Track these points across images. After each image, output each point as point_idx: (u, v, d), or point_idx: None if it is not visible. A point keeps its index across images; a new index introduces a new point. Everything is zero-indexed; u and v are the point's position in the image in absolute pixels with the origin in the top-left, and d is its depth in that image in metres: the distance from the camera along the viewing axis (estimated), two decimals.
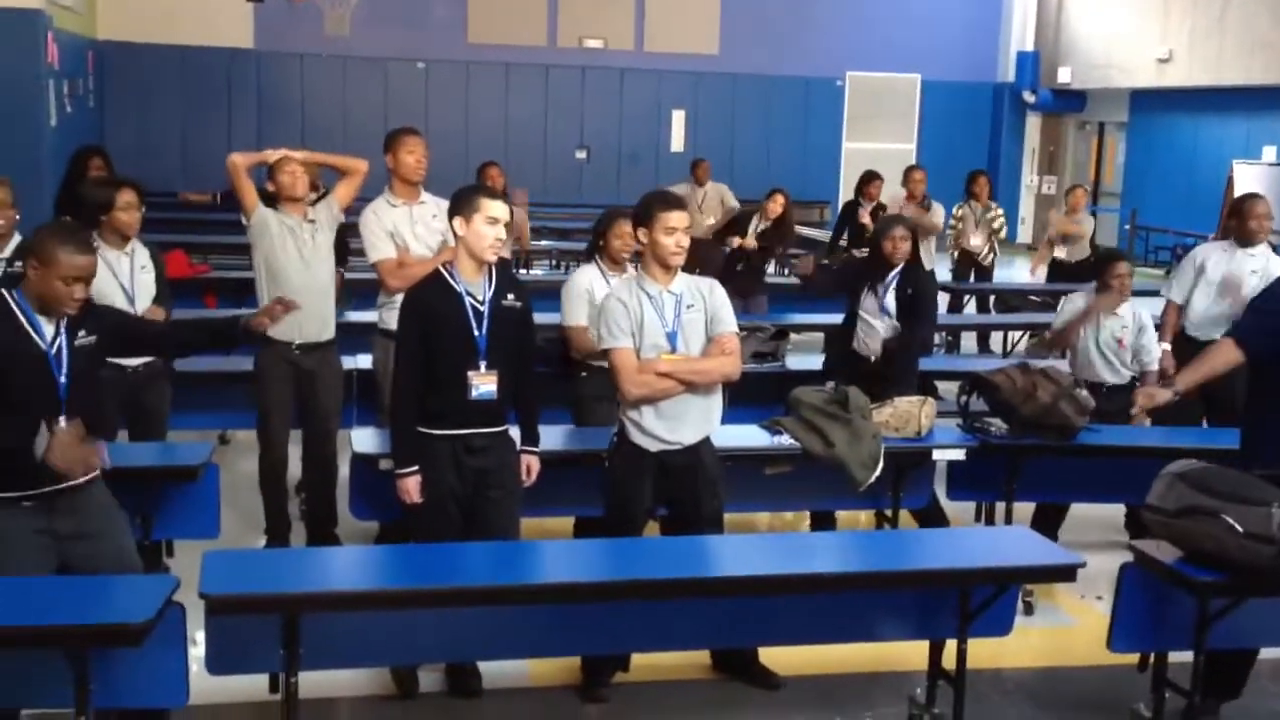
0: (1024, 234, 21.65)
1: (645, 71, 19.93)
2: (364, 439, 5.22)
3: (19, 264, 5.30)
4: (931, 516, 6.06)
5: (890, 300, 6.24)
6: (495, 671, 4.78)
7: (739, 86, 20.14)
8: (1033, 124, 22.10)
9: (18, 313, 3.87)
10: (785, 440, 5.46)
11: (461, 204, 4.46)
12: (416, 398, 4.47)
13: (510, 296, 4.57)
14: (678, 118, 20.23)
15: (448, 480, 4.49)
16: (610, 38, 19.91)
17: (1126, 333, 6.38)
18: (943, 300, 9.17)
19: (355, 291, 7.66)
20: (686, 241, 4.59)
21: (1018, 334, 10.77)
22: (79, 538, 3.91)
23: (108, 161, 8.45)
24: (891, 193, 11.26)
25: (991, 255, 11.49)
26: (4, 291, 3.91)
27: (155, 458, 5.35)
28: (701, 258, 4.58)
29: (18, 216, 5.50)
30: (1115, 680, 4.94)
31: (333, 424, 6.08)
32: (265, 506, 6.07)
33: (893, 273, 6.26)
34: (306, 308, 5.83)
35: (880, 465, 5.33)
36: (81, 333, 3.97)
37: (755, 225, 10.19)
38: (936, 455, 5.68)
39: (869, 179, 11.09)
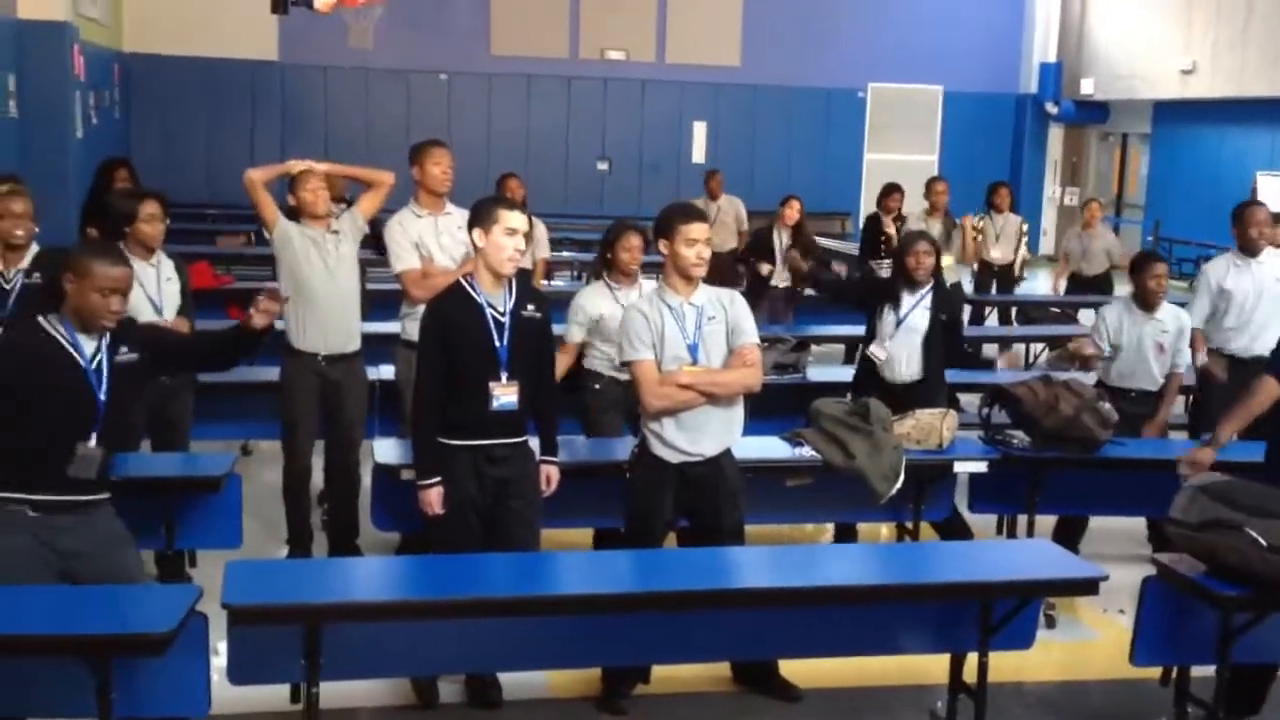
0: (1046, 245, 21.58)
1: (667, 83, 19.97)
2: (386, 450, 5.24)
3: (37, 275, 5.37)
4: (954, 529, 6.05)
5: (920, 318, 6.08)
6: (515, 682, 4.78)
7: (760, 98, 20.16)
8: (1055, 135, 22.04)
9: (56, 331, 3.89)
10: (806, 452, 5.45)
11: (480, 216, 4.48)
12: (438, 409, 4.49)
13: (531, 307, 4.58)
14: (699, 129, 20.26)
15: (468, 490, 4.50)
16: (632, 49, 19.96)
17: (1167, 337, 6.34)
18: (965, 312, 9.16)
19: (377, 302, 7.68)
20: (707, 253, 4.60)
21: (1039, 346, 10.73)
22: (79, 556, 3.90)
23: (133, 173, 8.53)
24: (912, 206, 11.25)
25: (1021, 265, 11.46)
26: (40, 318, 3.92)
27: (178, 468, 5.38)
28: (718, 272, 4.59)
29: (36, 228, 5.53)
30: (1137, 694, 4.91)
31: (357, 434, 6.10)
32: (288, 517, 6.09)
33: (920, 290, 6.13)
34: (332, 319, 5.89)
35: (901, 477, 5.33)
36: (123, 349, 3.98)
37: (779, 239, 10.17)
38: (958, 468, 5.66)
39: (888, 191, 11.08)
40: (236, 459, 5.37)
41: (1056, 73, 21.19)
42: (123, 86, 17.56)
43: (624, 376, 5.19)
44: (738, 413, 4.69)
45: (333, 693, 3.99)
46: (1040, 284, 15.94)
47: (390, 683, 4.76)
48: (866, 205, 17.26)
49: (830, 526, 6.59)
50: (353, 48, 16.58)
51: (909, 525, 5.75)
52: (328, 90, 19.10)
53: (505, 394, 4.49)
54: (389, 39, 17.71)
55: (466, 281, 4.55)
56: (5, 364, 3.84)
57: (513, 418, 4.53)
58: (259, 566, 4.40)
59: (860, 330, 6.63)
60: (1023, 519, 5.85)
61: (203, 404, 6.15)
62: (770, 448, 5.51)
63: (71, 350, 3.87)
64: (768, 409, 6.18)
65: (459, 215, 5.90)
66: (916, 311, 6.10)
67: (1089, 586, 4.32)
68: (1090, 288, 11.36)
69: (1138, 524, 6.68)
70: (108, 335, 3.94)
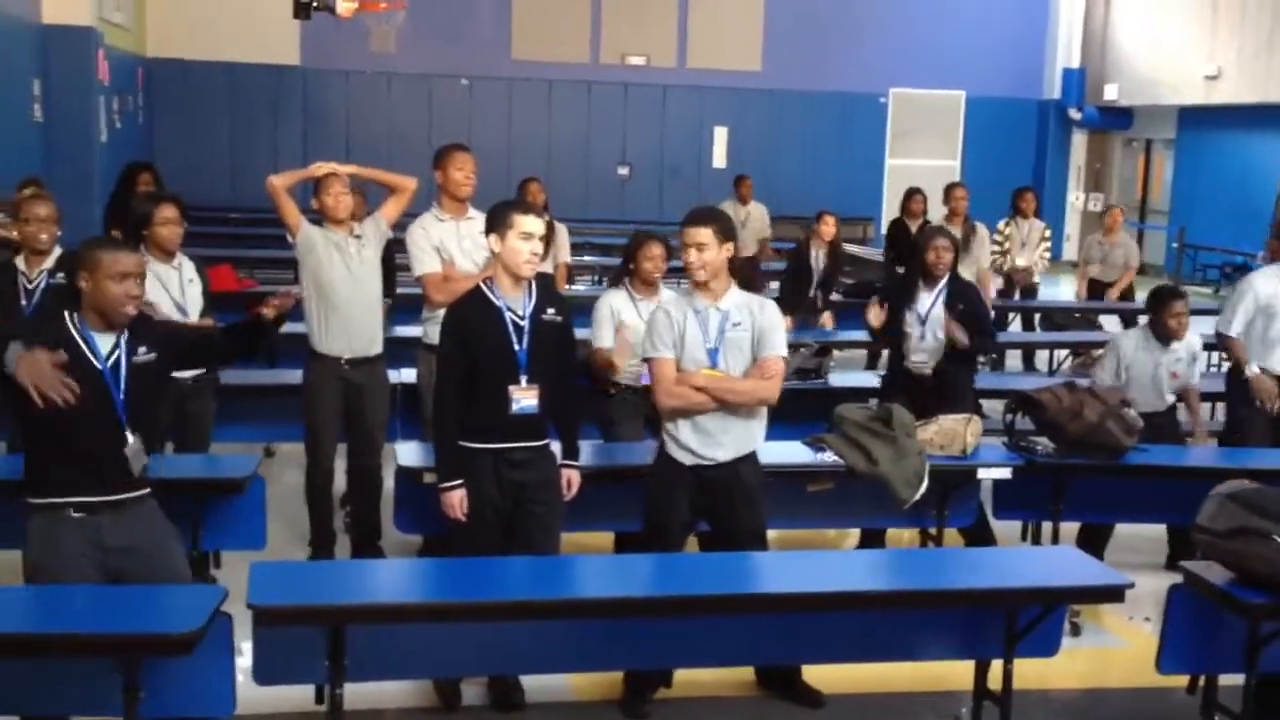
0: (1069, 251, 21.50)
1: (687, 88, 19.99)
2: (409, 452, 5.25)
3: (61, 275, 5.40)
4: (979, 535, 6.03)
5: (937, 313, 6.15)
6: (538, 685, 4.79)
7: (781, 103, 20.16)
8: (1078, 141, 21.96)
9: (73, 331, 3.90)
10: (829, 457, 5.44)
11: (495, 221, 4.49)
12: (458, 412, 4.50)
13: (551, 311, 4.58)
14: (720, 134, 20.27)
15: (489, 493, 4.50)
16: (653, 55, 19.98)
17: (1180, 365, 6.33)
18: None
19: (398, 305, 7.71)
20: (699, 256, 4.53)
21: (1063, 352, 10.68)
22: (128, 551, 3.93)
23: (156, 177, 8.56)
24: (933, 212, 11.21)
25: (1038, 273, 11.42)
26: (65, 313, 3.95)
27: (203, 470, 5.41)
28: (741, 277, 4.58)
29: (59, 232, 5.56)
30: (1163, 703, 4.88)
31: (379, 437, 6.11)
32: (311, 519, 6.10)
33: (937, 285, 6.19)
34: (355, 322, 5.91)
35: (925, 483, 5.30)
36: (142, 349, 3.98)
37: (814, 255, 10.13)
38: (982, 474, 5.63)
39: (910, 195, 11.08)
40: (260, 461, 5.38)
41: (1080, 78, 21.12)
42: (146, 91, 17.68)
43: (643, 384, 5.21)
44: (758, 420, 4.67)
45: (357, 694, 4.00)
46: (1062, 290, 15.88)
47: (413, 685, 4.76)
48: (889, 211, 17.22)
49: (854, 532, 6.57)
50: (374, 53, 16.63)
51: (932, 531, 5.72)
52: (349, 95, 19.19)
53: (525, 397, 4.49)
54: (411, 44, 17.77)
55: (486, 285, 4.55)
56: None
57: (533, 421, 4.54)
58: (283, 568, 4.42)
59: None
60: (1047, 525, 5.83)
61: (226, 406, 6.18)
62: (792, 452, 5.50)
63: (86, 350, 3.87)
64: (790, 414, 6.13)
65: (481, 220, 5.90)
66: (935, 308, 6.16)
67: (1115, 594, 4.29)
68: (1105, 292, 11.33)
69: (1162, 531, 6.64)
70: (126, 333, 3.95)
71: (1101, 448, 5.60)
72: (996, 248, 11.19)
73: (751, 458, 4.68)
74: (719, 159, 20.18)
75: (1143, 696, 5.06)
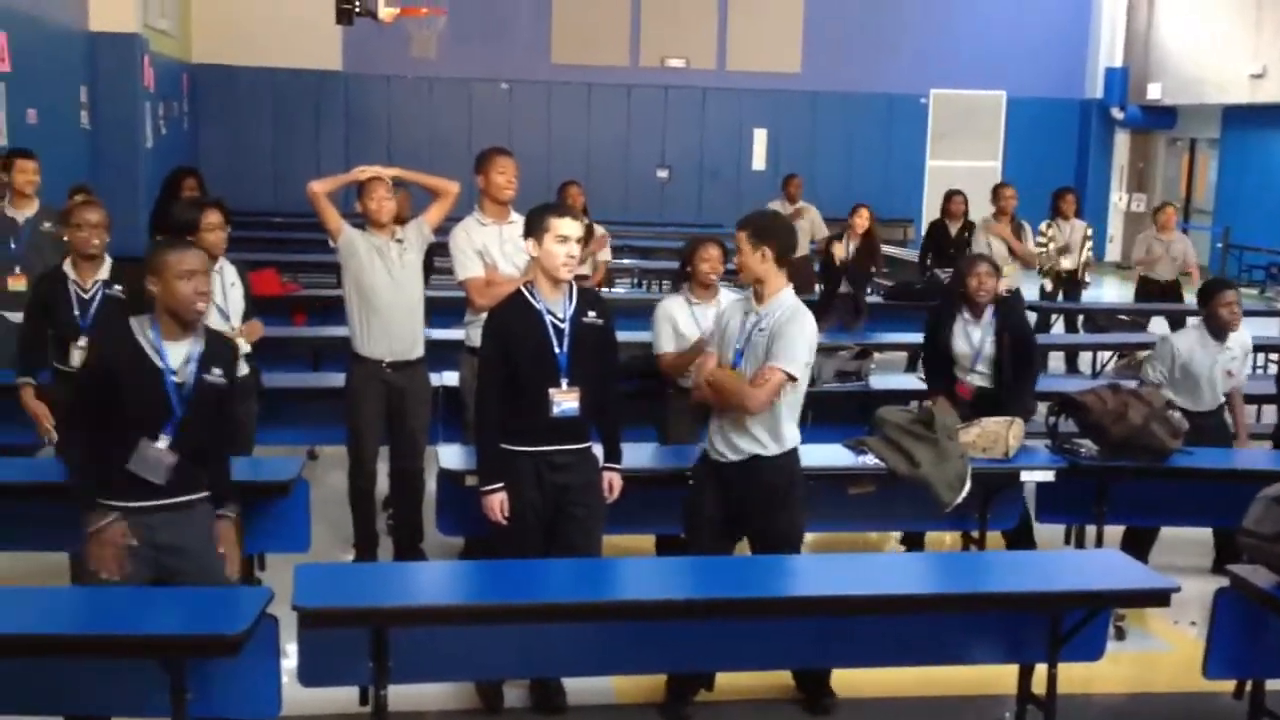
0: (1113, 252, 21.32)
1: (727, 90, 19.97)
2: (450, 455, 5.27)
3: (118, 287, 5.48)
4: (1021, 538, 5.99)
5: (988, 343, 6.01)
6: (582, 688, 4.80)
7: (821, 105, 20.11)
8: (1121, 141, 21.77)
9: (140, 333, 3.95)
10: (870, 460, 5.42)
11: (532, 225, 4.53)
12: (499, 415, 4.52)
13: (592, 314, 4.60)
14: (759, 136, 20.24)
15: (530, 496, 4.52)
16: (692, 57, 19.98)
17: (1235, 363, 6.27)
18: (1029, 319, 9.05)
19: (437, 309, 7.76)
20: (736, 259, 4.64)
21: (1107, 354, 10.59)
22: (179, 552, 3.98)
23: (201, 182, 8.66)
24: (974, 213, 11.16)
25: (1084, 270, 11.33)
26: (133, 321, 4.01)
27: (248, 473, 5.43)
28: (792, 276, 4.63)
29: (108, 238, 5.63)
30: (1210, 707, 4.84)
31: (420, 440, 6.15)
32: (354, 521, 6.15)
33: (985, 314, 6.05)
34: (396, 326, 5.95)
35: (967, 486, 5.28)
36: (216, 371, 4.02)
37: (845, 244, 10.14)
38: (1024, 476, 5.59)
39: (950, 196, 11.03)
40: (304, 464, 5.43)
41: (1123, 77, 20.93)
42: (191, 97, 17.87)
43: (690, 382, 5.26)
44: (776, 422, 4.58)
45: (400, 696, 4.02)
46: (1106, 291, 15.73)
47: (456, 687, 4.79)
48: (929, 213, 17.14)
49: (894, 535, 6.54)
50: (415, 57, 16.73)
51: (974, 534, 5.69)
52: (391, 100, 19.31)
53: (566, 400, 4.51)
54: (451, 49, 17.84)
55: (527, 289, 4.58)
56: (96, 377, 3.92)
57: (574, 424, 4.55)
58: (328, 570, 4.46)
59: (922, 338, 6.56)
60: (1091, 529, 5.78)
61: (269, 409, 6.23)
62: (833, 455, 5.48)
63: (154, 356, 3.92)
64: (830, 416, 6.16)
65: (522, 223, 5.94)
66: (986, 344, 6.02)
67: (1160, 598, 4.26)
68: (1161, 294, 11.21)
69: (1207, 534, 6.58)
70: (202, 349, 3.98)
71: (1146, 450, 5.55)
72: (1041, 249, 11.12)
73: (772, 460, 4.60)
74: (758, 161, 20.16)
75: (1189, 701, 5.01)
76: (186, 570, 3.97)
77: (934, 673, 4.93)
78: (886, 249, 12.70)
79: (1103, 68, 21.13)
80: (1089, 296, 12.25)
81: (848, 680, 4.88)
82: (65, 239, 5.70)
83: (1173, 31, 20.30)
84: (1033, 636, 4.37)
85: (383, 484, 6.30)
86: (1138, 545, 6.04)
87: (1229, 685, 4.54)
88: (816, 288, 10.46)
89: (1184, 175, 21.63)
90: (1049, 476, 5.56)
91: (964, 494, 5.27)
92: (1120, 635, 5.54)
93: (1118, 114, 21.14)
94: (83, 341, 5.45)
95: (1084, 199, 14.39)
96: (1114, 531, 6.01)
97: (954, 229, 10.82)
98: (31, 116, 10.82)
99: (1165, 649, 5.64)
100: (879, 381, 7.40)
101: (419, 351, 6.09)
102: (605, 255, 8.98)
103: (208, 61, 18.18)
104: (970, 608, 4.33)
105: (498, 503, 4.50)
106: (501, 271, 5.84)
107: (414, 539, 6.14)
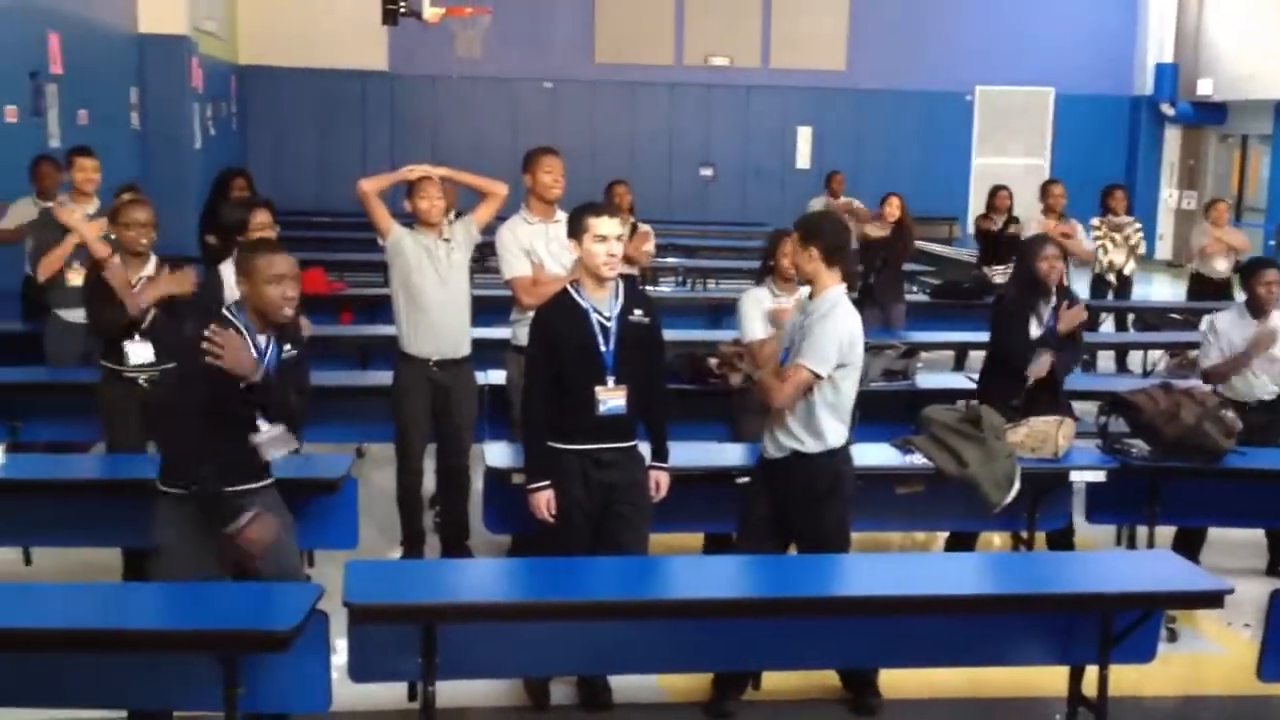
0: (1163, 250, 21.07)
1: (771, 88, 19.90)
2: (497, 453, 5.30)
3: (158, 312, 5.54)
4: (1062, 540, 5.94)
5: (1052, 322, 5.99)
6: (628, 685, 4.80)
7: (866, 102, 19.99)
8: (1171, 137, 21.49)
9: (239, 324, 4.05)
10: (917, 459, 5.39)
11: (573, 225, 4.58)
12: (546, 413, 4.53)
13: (638, 312, 4.60)
14: (804, 134, 20.16)
15: (576, 494, 4.53)
16: (736, 55, 19.93)
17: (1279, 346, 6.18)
18: None
19: (484, 307, 7.80)
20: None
21: (1157, 353, 10.46)
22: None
23: (250, 182, 8.75)
24: (1020, 211, 11.08)
25: (1131, 269, 11.20)
26: (226, 310, 4.12)
27: (298, 470, 5.47)
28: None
29: (155, 237, 5.69)
30: (1264, 711, 4.79)
31: (467, 438, 6.18)
32: (402, 519, 6.18)
33: (1052, 299, 6.00)
34: (443, 325, 5.99)
35: (1016, 486, 5.24)
36: (287, 346, 4.17)
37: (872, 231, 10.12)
38: (1074, 477, 5.54)
39: (994, 192, 10.99)
40: (352, 461, 5.46)
41: (1173, 73, 20.67)
42: (239, 98, 18.05)
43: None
44: (813, 419, 4.56)
45: (448, 692, 4.05)
46: (1156, 289, 15.55)
47: (504, 683, 4.81)
48: (975, 210, 17.00)
49: (942, 535, 6.50)
50: (460, 58, 16.80)
51: (1024, 535, 5.65)
52: (436, 100, 19.39)
53: (612, 398, 4.52)
54: (495, 48, 17.89)
55: (573, 288, 4.59)
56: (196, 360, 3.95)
57: (620, 422, 4.56)
58: (377, 567, 4.50)
59: (969, 336, 6.51)
60: (1142, 530, 5.72)
61: (317, 407, 6.24)
62: (881, 455, 5.46)
63: (250, 342, 4.04)
64: (877, 416, 6.13)
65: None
66: (1050, 321, 6.00)
67: (1214, 600, 4.22)
68: (1216, 293, 11.04)
69: (1260, 535, 6.49)
70: (274, 332, 4.10)
71: (1199, 450, 5.49)
72: (1099, 246, 10.99)
73: (813, 458, 4.58)
74: (803, 159, 20.08)
75: (1242, 704, 4.96)
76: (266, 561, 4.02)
77: (982, 674, 4.90)
78: (932, 246, 12.63)
79: (1152, 64, 20.88)
80: (1138, 294, 12.10)
81: (895, 681, 4.85)
82: (111, 235, 5.77)
83: (1222, 27, 20.02)
84: (1084, 638, 4.33)
85: (429, 482, 6.33)
86: (1188, 546, 5.96)
87: None
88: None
89: (1235, 172, 21.34)
90: (1100, 477, 5.51)
91: (1013, 494, 5.23)
92: (1172, 637, 5.47)
93: (1168, 110, 20.88)
94: (136, 340, 5.52)
95: (1134, 196, 14.19)
96: (1165, 532, 5.94)
97: (998, 223, 10.77)
98: (83, 118, 10.98)
99: (1218, 651, 5.57)
100: (925, 380, 7.36)
101: (466, 350, 6.12)
102: (649, 248, 8.99)
103: (255, 63, 18.33)
104: (1021, 608, 4.30)
105: (544, 501, 4.52)
106: (548, 270, 5.86)
107: (460, 536, 6.17)
